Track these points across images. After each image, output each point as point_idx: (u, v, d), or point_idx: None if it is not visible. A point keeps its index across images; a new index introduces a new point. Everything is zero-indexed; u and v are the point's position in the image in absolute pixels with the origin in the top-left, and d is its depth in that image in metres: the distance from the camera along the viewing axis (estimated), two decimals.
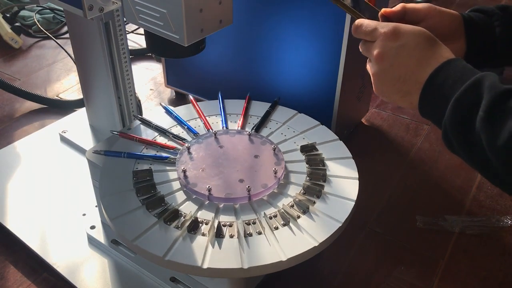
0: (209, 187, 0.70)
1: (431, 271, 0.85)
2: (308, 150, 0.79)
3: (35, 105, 1.26)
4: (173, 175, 0.75)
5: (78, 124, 1.07)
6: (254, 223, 0.67)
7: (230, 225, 0.67)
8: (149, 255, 0.63)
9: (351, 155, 0.79)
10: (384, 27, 0.53)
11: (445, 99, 0.49)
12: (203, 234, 0.65)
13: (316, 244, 0.64)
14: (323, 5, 0.91)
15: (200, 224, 0.67)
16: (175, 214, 0.67)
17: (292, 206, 0.70)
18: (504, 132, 0.44)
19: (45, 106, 1.26)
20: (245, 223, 0.67)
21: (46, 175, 0.99)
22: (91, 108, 1.00)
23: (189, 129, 0.84)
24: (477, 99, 0.46)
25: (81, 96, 1.15)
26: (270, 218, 0.68)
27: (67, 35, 1.56)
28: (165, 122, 0.86)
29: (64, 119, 1.14)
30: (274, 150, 0.78)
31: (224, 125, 0.85)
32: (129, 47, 1.12)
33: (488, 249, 0.89)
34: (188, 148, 0.78)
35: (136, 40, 1.58)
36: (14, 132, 1.18)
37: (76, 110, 1.20)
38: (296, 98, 1.04)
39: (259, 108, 0.89)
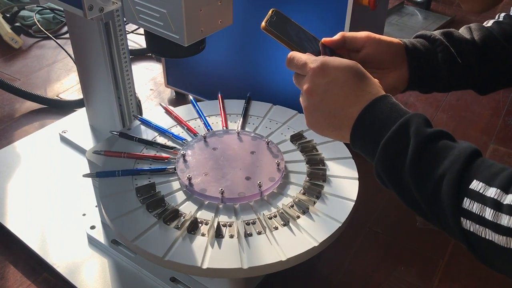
0: (221, 189, 0.69)
1: (431, 271, 0.85)
2: (297, 138, 0.81)
3: (35, 105, 1.26)
4: (175, 185, 0.73)
5: (78, 124, 1.07)
6: (275, 216, 0.68)
7: (254, 223, 0.67)
8: (185, 267, 0.62)
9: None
10: (313, 62, 0.53)
11: (374, 141, 0.49)
12: (231, 236, 0.65)
13: (340, 225, 0.66)
14: (323, 5, 0.91)
15: (224, 228, 0.67)
16: (195, 222, 0.67)
17: (304, 193, 0.72)
18: (431, 180, 0.45)
19: (45, 106, 1.26)
20: (268, 217, 0.68)
21: (46, 175, 0.99)
22: (91, 108, 1.00)
23: (174, 137, 0.82)
24: (404, 144, 0.47)
25: (81, 96, 1.15)
26: (290, 207, 0.69)
27: (67, 35, 1.56)
28: (147, 133, 0.84)
29: (64, 119, 1.14)
30: (267, 144, 0.79)
31: (208, 128, 0.84)
32: (129, 47, 1.12)
33: None
34: (184, 156, 0.76)
35: (136, 40, 1.58)
36: (14, 132, 1.18)
37: (76, 110, 1.19)
38: (296, 97, 1.04)
39: (234, 106, 0.89)
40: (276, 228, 0.66)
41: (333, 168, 0.76)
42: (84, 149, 0.97)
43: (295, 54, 0.56)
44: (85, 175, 0.76)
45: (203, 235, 0.65)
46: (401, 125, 0.48)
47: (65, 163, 1.02)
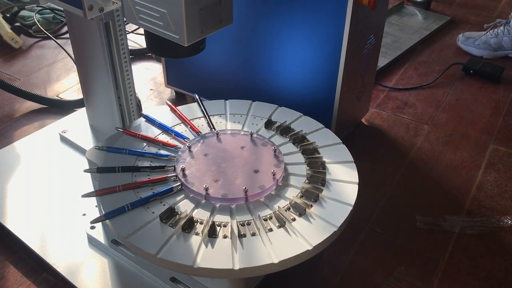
0: (245, 188, 0.70)
1: (431, 271, 0.85)
2: (271, 123, 0.84)
3: (35, 105, 1.26)
4: (187, 201, 0.71)
5: (78, 124, 1.07)
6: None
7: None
8: (223, 271, 0.63)
9: (301, 114, 0.87)
10: None
11: None
12: (270, 230, 0.67)
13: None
14: (323, 5, 0.91)
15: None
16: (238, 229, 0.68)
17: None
18: None
19: (45, 106, 1.26)
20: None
21: (46, 175, 0.99)
22: (91, 108, 1.00)
23: (157, 155, 0.79)
24: None
25: (81, 96, 1.15)
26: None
27: (67, 35, 1.56)
28: (126, 160, 0.79)
29: (64, 119, 1.14)
30: (251, 136, 0.80)
31: (183, 138, 0.82)
32: (129, 47, 1.12)
33: (488, 249, 0.89)
34: (183, 170, 0.74)
35: (136, 40, 1.58)
36: (14, 132, 1.18)
37: (76, 110, 1.20)
38: (296, 98, 1.04)
39: (189, 112, 0.89)
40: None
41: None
42: (84, 149, 0.97)
43: None
44: (93, 221, 0.71)
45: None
46: None
47: (65, 163, 1.02)
